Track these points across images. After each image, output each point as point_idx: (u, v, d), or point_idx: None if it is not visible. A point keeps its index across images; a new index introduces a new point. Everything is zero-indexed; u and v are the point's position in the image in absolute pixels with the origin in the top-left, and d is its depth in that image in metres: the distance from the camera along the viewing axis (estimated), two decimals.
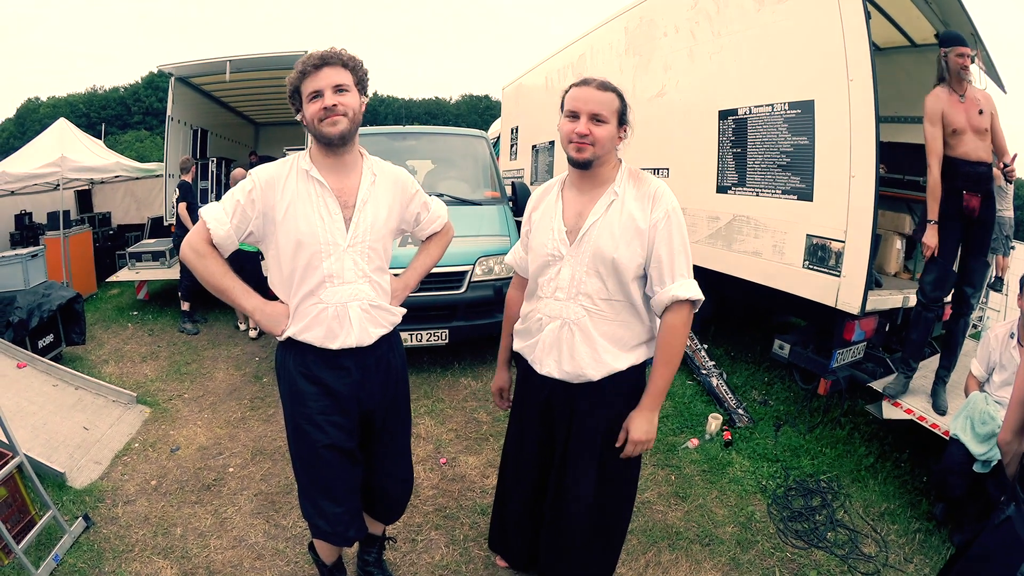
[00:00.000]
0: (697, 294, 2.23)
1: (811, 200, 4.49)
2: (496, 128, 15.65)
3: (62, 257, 9.65)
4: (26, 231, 11.16)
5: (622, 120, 2.24)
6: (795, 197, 4.63)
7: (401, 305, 2.54)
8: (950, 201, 4.01)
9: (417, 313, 5.71)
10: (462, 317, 5.93)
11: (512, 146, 12.42)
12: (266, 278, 2.41)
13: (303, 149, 2.37)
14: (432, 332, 5.83)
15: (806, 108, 4.49)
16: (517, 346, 2.59)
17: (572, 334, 2.32)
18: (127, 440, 4.74)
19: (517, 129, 12.14)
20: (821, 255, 4.42)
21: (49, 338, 6.49)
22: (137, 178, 13.13)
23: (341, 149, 2.25)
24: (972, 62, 4.06)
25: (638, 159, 6.78)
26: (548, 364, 2.39)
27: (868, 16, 4.10)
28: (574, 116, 2.19)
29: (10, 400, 4.71)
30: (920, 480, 4.27)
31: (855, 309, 4.21)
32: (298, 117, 2.27)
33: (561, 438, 2.50)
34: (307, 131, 2.28)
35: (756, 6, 4.93)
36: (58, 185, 10.05)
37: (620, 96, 2.22)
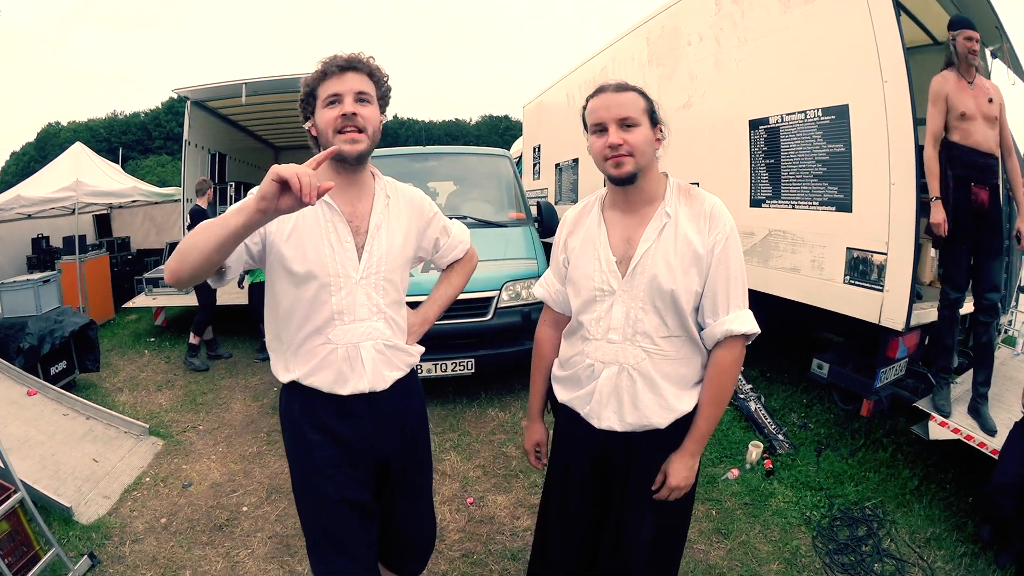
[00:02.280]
0: (754, 327, 1.97)
1: (850, 211, 4.26)
2: (518, 147, 15.55)
3: (78, 282, 9.64)
4: (43, 255, 11.27)
5: (654, 119, 1.93)
6: (833, 208, 4.39)
7: (422, 339, 2.31)
8: (959, 193, 3.94)
9: (441, 342, 5.54)
10: (489, 345, 5.71)
11: (535, 165, 12.27)
12: None
13: None
14: (457, 361, 5.59)
15: (840, 114, 4.27)
16: (563, 397, 2.23)
17: (633, 381, 2.00)
18: (138, 474, 4.59)
19: (539, 147, 12.00)
20: (863, 269, 4.18)
21: (62, 365, 6.41)
22: (156, 203, 13.21)
23: (355, 167, 2.00)
24: (980, 48, 4.03)
25: (669, 172, 6.65)
26: (607, 417, 2.06)
27: (899, 13, 3.92)
28: (601, 129, 1.91)
29: (19, 428, 4.64)
30: (965, 501, 4.09)
31: (899, 325, 3.97)
32: (307, 126, 2.00)
33: (617, 485, 2.18)
34: (315, 146, 2.03)
35: (782, 8, 4.75)
36: (74, 210, 10.06)
37: (643, 94, 1.94)
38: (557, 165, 10.69)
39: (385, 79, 2.02)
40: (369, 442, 2.09)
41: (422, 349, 2.29)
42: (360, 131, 1.90)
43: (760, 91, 5.06)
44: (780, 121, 4.82)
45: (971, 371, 4.45)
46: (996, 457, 3.56)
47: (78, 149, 11.56)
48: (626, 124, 1.87)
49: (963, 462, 4.40)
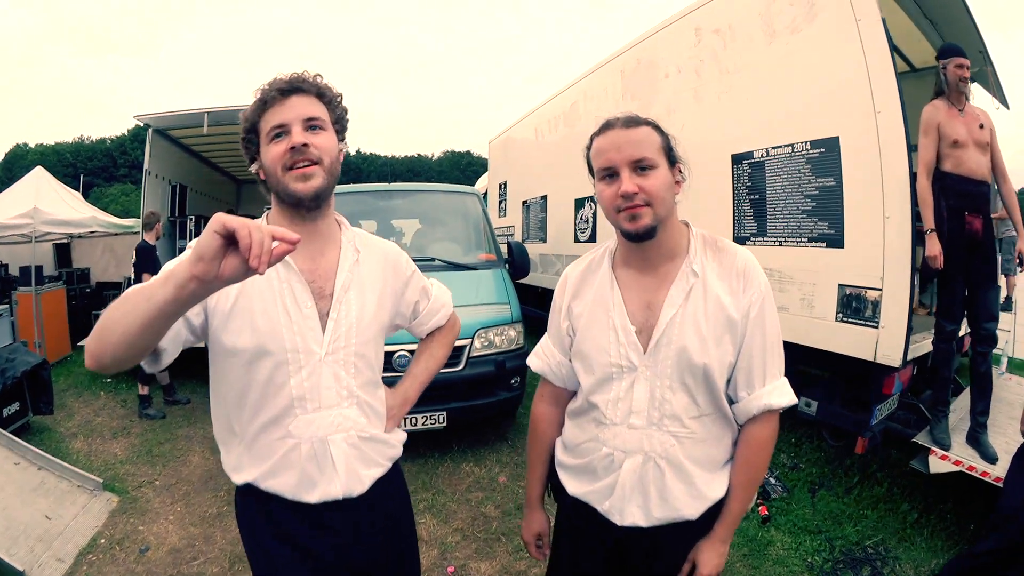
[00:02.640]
0: (793, 398, 1.71)
1: (842, 247, 4.12)
2: (482, 183, 15.40)
3: (34, 315, 9.21)
4: (1, 283, 10.91)
5: (672, 158, 1.65)
6: (824, 244, 4.25)
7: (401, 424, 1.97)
8: (953, 223, 3.88)
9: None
10: (461, 397, 5.35)
11: (501, 202, 12.06)
12: None
13: None
14: (428, 415, 5.20)
15: (830, 146, 4.15)
16: (575, 490, 1.87)
17: (661, 472, 1.70)
18: (93, 534, 4.20)
19: (506, 184, 11.82)
20: (856, 306, 4.04)
21: (15, 406, 5.98)
22: (116, 234, 12.71)
23: (314, 213, 1.65)
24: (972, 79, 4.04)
25: None
26: (632, 513, 1.74)
27: (891, 40, 3.84)
28: (611, 174, 1.62)
29: None
30: (967, 529, 4.07)
31: (896, 362, 3.83)
32: (253, 168, 1.66)
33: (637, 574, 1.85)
34: (265, 188, 1.69)
35: (767, 39, 4.65)
36: (32, 238, 9.64)
37: (658, 128, 1.66)
38: (524, 203, 10.52)
39: (338, 99, 1.72)
40: (345, 557, 1.73)
41: (404, 436, 1.94)
42: (314, 163, 1.58)
43: (743, 124, 4.95)
44: (765, 155, 4.69)
45: (963, 395, 4.44)
46: (1000, 485, 3.45)
47: (39, 174, 11.11)
48: (641, 167, 1.58)
49: (961, 490, 4.32)
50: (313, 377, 1.62)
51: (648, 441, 1.69)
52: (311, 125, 1.60)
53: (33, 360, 6.31)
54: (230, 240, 1.07)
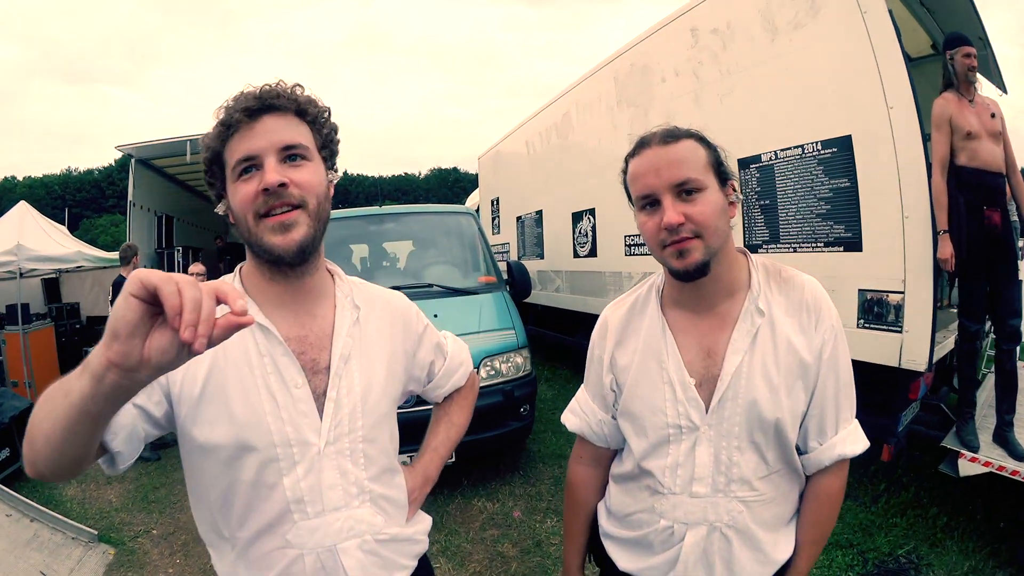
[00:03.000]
0: (866, 443, 1.50)
1: (860, 250, 3.92)
2: (473, 200, 15.23)
3: (22, 355, 8.99)
4: None
5: (723, 175, 1.40)
6: (841, 248, 4.05)
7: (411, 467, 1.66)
8: (972, 218, 3.71)
9: (416, 432, 4.95)
10: (469, 431, 5.06)
11: (494, 219, 11.83)
12: None
13: None
14: None
15: (843, 145, 3.96)
16: (628, 565, 1.62)
17: (728, 542, 1.45)
18: None
19: (498, 200, 11.62)
20: (878, 311, 3.84)
21: (5, 452, 5.80)
22: (103, 267, 12.49)
23: (299, 270, 1.31)
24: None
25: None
26: None
27: (898, 30, 3.67)
28: (651, 203, 1.37)
29: None
30: (996, 528, 4.01)
31: (922, 366, 3.64)
32: (220, 210, 1.32)
33: None
34: (236, 233, 1.32)
35: (769, 36, 4.47)
36: (19, 274, 9.42)
37: (703, 140, 1.41)
38: (519, 218, 10.33)
39: (324, 116, 1.35)
40: None
41: (429, 522, 1.62)
42: (295, 207, 1.22)
43: (749, 127, 4.73)
44: (774, 158, 4.49)
45: (982, 392, 4.33)
46: None
47: (23, 209, 10.91)
48: (686, 190, 1.33)
49: (989, 489, 4.16)
50: (312, 475, 1.28)
51: (713, 510, 1.45)
52: (290, 155, 1.24)
53: (21, 404, 6.15)
54: (156, 305, 0.75)
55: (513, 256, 10.57)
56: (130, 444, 1.16)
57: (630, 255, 6.68)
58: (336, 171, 1.41)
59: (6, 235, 9.80)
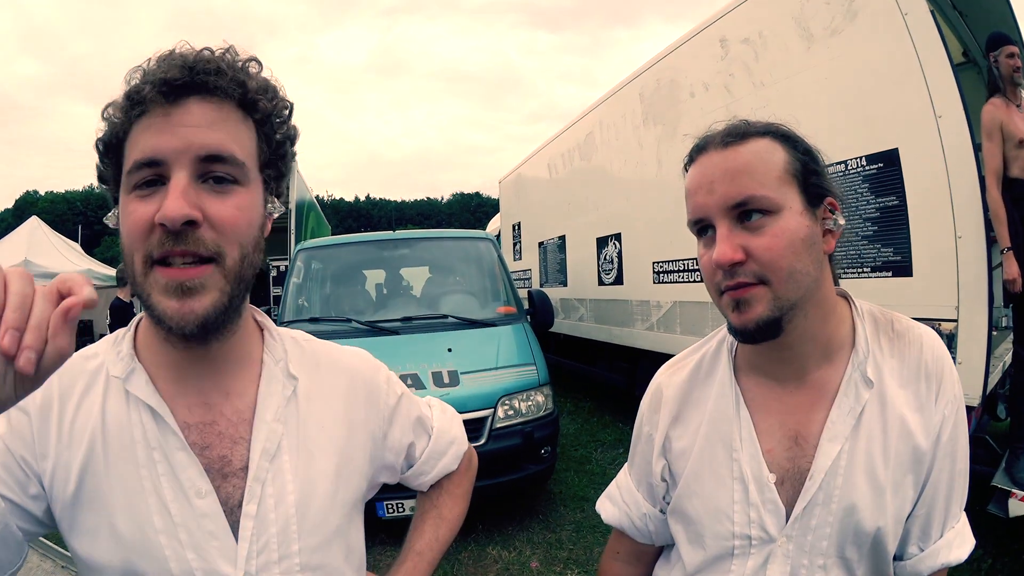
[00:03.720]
0: (972, 544, 1.16)
1: (910, 274, 3.69)
2: (494, 225, 15.25)
3: None
4: None
5: (812, 189, 1.04)
6: (889, 273, 3.82)
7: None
8: None
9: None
10: (483, 475, 4.77)
11: (515, 244, 11.81)
12: None
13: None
14: None
15: (889, 160, 3.75)
16: None
17: None
18: None
19: (519, 225, 11.59)
20: None
21: None
22: (115, 286, 12.66)
23: (202, 338, 0.93)
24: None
25: (667, 249, 6.16)
26: None
27: (942, 32, 3.51)
28: (703, 229, 1.08)
29: None
30: None
31: (976, 400, 3.42)
32: (109, 219, 0.96)
33: None
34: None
35: (805, 44, 4.32)
36: None
37: (782, 136, 1.07)
38: (541, 244, 10.25)
39: (282, 115, 0.99)
40: None
41: None
42: (205, 260, 0.86)
43: None
44: None
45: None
46: None
47: (33, 225, 11.20)
48: (746, 210, 1.01)
49: None
50: None
51: None
52: (215, 173, 0.87)
53: None
54: None
55: (535, 283, 10.51)
56: (3, 546, 0.87)
57: (658, 283, 6.51)
58: (279, 201, 1.02)
59: (15, 250, 9.98)
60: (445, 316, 5.70)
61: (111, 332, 5.04)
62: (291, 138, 1.02)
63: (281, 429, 1.01)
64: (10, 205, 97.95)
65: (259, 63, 0.95)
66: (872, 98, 3.85)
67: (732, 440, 1.14)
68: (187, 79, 0.85)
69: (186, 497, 0.92)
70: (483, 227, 15.11)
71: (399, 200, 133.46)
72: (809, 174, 1.04)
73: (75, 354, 0.87)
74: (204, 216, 0.84)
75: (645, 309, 6.86)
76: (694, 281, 5.80)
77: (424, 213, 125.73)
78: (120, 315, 6.64)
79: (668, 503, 1.28)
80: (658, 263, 6.45)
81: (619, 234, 7.41)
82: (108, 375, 0.97)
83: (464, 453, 1.40)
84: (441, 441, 1.32)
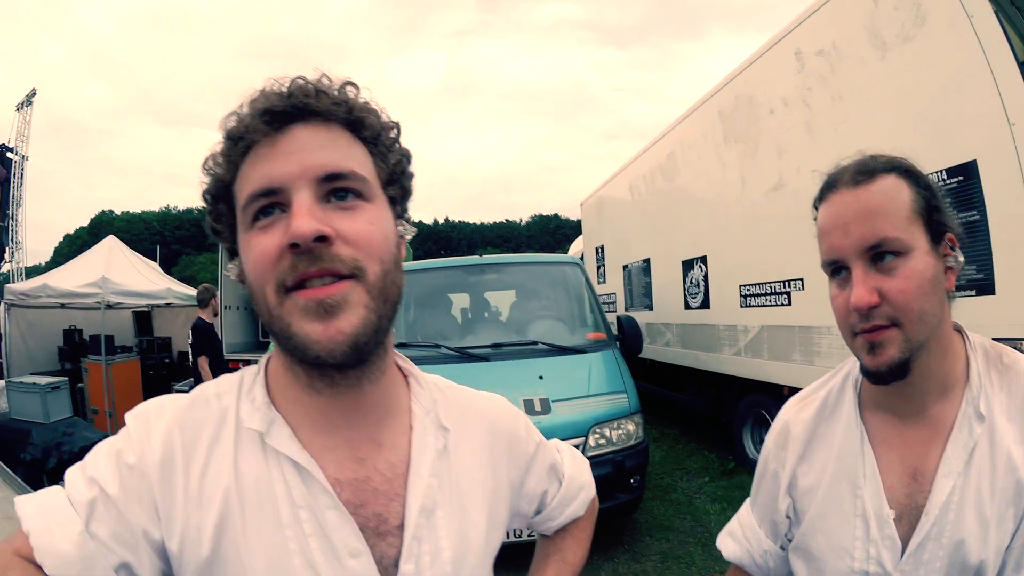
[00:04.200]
0: None
1: (993, 292, 3.58)
2: (577, 248, 15.31)
3: (104, 385, 9.69)
4: (74, 348, 11.66)
5: (935, 225, 1.05)
6: (972, 292, 3.70)
7: None
8: None
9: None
10: None
11: (599, 268, 11.80)
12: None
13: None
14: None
15: (968, 172, 3.66)
16: None
17: None
18: None
19: (603, 248, 11.60)
20: None
21: None
22: (195, 305, 13.33)
23: (355, 374, 0.87)
24: None
25: (754, 272, 6.10)
26: None
27: (1007, 33, 3.44)
28: (837, 270, 1.09)
29: None
30: None
31: None
32: (232, 273, 0.93)
33: None
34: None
35: (878, 54, 4.27)
36: (107, 305, 10.20)
37: (907, 172, 1.08)
38: (625, 267, 10.22)
39: (392, 135, 0.93)
40: None
41: None
42: (345, 276, 0.79)
43: None
44: None
45: None
46: None
47: (111, 243, 11.84)
48: (881, 252, 1.02)
49: None
50: None
51: None
52: (337, 189, 0.82)
53: (94, 436, 6.51)
54: None
55: (620, 307, 10.48)
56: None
57: (746, 307, 6.44)
58: (409, 222, 0.99)
59: (93, 267, 10.63)
60: (535, 343, 5.69)
61: (193, 352, 5.28)
62: (406, 156, 0.96)
63: (437, 484, 0.96)
64: (85, 224, 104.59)
65: (355, 86, 0.88)
66: (947, 107, 3.79)
67: (856, 477, 1.17)
68: (287, 106, 0.81)
69: (338, 559, 0.86)
70: (562, 249, 15.15)
71: (477, 222, 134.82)
72: (932, 211, 1.05)
73: (190, 396, 0.92)
74: (335, 233, 0.78)
75: (732, 334, 6.79)
76: (781, 305, 5.74)
77: (503, 235, 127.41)
78: (202, 335, 6.86)
79: (790, 540, 1.31)
80: (745, 286, 6.39)
81: (705, 256, 7.35)
82: (239, 425, 0.89)
83: (591, 500, 1.35)
84: (572, 488, 1.28)
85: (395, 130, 0.93)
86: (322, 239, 0.76)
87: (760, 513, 1.39)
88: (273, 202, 0.80)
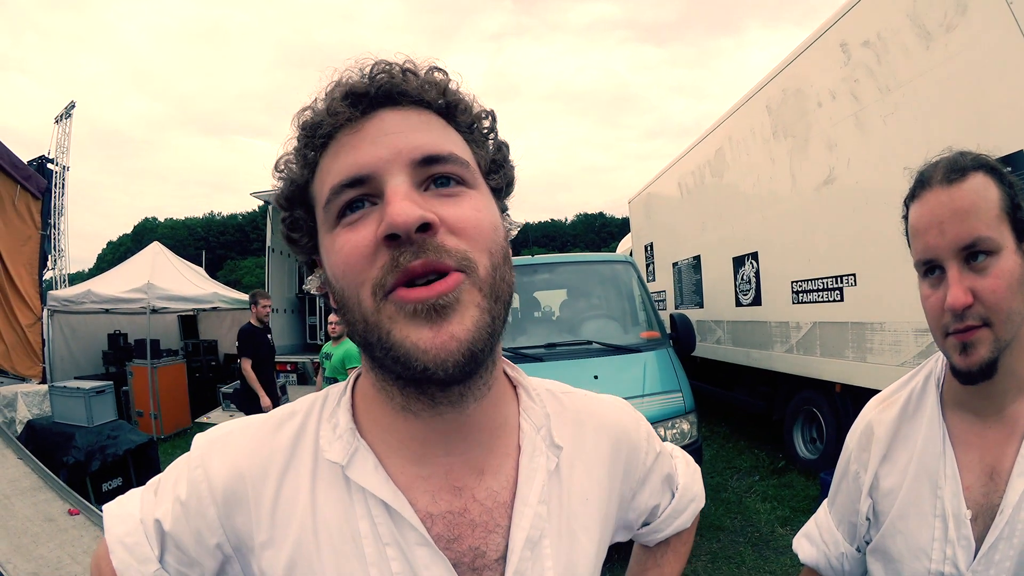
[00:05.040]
0: None
1: None
2: (625, 246, 15.37)
3: (149, 388, 10.04)
4: (119, 352, 12.01)
5: (1019, 223, 1.07)
6: None
7: None
8: None
9: None
10: None
11: (648, 266, 11.91)
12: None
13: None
14: None
15: (1018, 163, 3.66)
16: None
17: None
18: None
19: (652, 246, 11.69)
20: None
21: (117, 481, 6.46)
22: (242, 308, 13.66)
23: (460, 390, 0.76)
24: None
25: (805, 268, 6.20)
26: None
27: None
28: (932, 269, 1.11)
29: (52, 552, 4.44)
30: None
31: None
32: (313, 287, 0.87)
33: None
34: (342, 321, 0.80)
35: (923, 43, 4.33)
36: (153, 309, 10.58)
37: (995, 172, 1.09)
38: (675, 264, 10.32)
39: (488, 122, 0.85)
40: None
41: None
42: (453, 270, 0.69)
43: (918, 150, 4.38)
44: None
45: None
46: None
47: (156, 250, 12.29)
48: (974, 251, 1.05)
49: None
50: None
51: None
52: (438, 175, 0.73)
53: (138, 439, 6.79)
54: None
55: (670, 305, 10.57)
56: None
57: (797, 303, 6.51)
58: (510, 217, 0.92)
59: (139, 273, 11.05)
60: (589, 342, 5.83)
61: (240, 356, 5.65)
62: (505, 145, 0.89)
63: (545, 511, 0.87)
64: (129, 231, 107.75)
65: (444, 71, 0.80)
66: (992, 96, 3.83)
67: (937, 478, 1.19)
68: (372, 89, 0.73)
69: None
70: (608, 247, 15.15)
71: (523, 222, 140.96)
72: (1016, 209, 1.07)
73: (263, 420, 0.87)
74: (438, 219, 0.69)
75: (784, 331, 6.86)
76: (834, 301, 5.81)
77: (548, 235, 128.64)
78: (248, 339, 7.04)
79: (867, 542, 1.33)
80: (796, 282, 6.46)
81: (756, 253, 7.42)
82: (317, 453, 0.82)
83: (697, 512, 1.25)
84: (683, 499, 1.19)
85: (490, 118, 0.86)
86: (425, 228, 0.67)
87: (839, 515, 1.41)
88: (362, 194, 0.71)
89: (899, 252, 1.42)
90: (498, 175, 0.85)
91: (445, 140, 0.75)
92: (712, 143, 8.45)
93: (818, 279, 6.05)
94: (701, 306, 9.31)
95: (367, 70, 0.75)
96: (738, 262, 7.89)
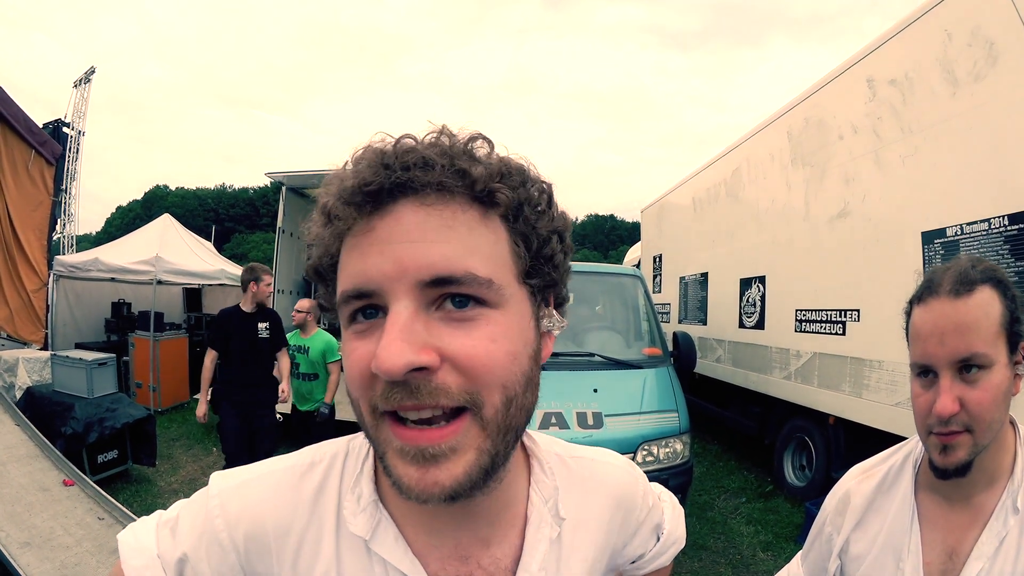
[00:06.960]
0: None
1: None
2: (633, 254, 15.35)
3: (151, 361, 10.10)
4: (122, 321, 12.03)
5: (1014, 337, 1.17)
6: None
7: None
8: None
9: None
10: None
11: (655, 277, 11.90)
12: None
13: None
14: None
15: None
16: None
17: None
18: None
19: (660, 258, 11.69)
20: None
21: (112, 454, 6.51)
22: None
23: (468, 497, 0.73)
24: None
25: (811, 297, 6.20)
26: None
27: None
28: (925, 372, 1.20)
29: (45, 522, 4.49)
30: None
31: None
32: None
33: None
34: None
35: (949, 90, 4.30)
36: (158, 280, 10.62)
37: (1001, 286, 1.17)
38: (682, 279, 10.32)
39: (534, 192, 0.74)
40: None
41: None
42: (464, 407, 0.66)
43: (934, 195, 4.53)
44: (959, 233, 4.25)
45: None
46: None
47: (166, 222, 12.29)
48: (969, 365, 1.14)
49: None
50: None
51: None
52: (450, 297, 0.66)
53: (137, 413, 6.80)
54: None
55: (673, 318, 10.59)
56: None
57: (800, 331, 6.52)
58: (559, 313, 0.88)
59: (148, 245, 11.09)
60: (592, 355, 5.80)
61: (208, 345, 5.62)
62: (559, 231, 0.79)
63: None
64: (139, 197, 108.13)
65: (488, 141, 0.72)
66: (1014, 151, 3.82)
67: (901, 552, 1.31)
68: (386, 181, 0.65)
69: None
70: (617, 251, 15.16)
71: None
72: (1014, 323, 1.16)
73: (281, 468, 0.88)
74: (443, 356, 0.64)
75: (784, 357, 6.87)
76: (836, 334, 5.83)
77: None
78: (222, 326, 5.95)
79: None
80: (801, 311, 6.47)
81: (763, 277, 7.42)
82: (340, 523, 0.83)
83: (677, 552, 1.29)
84: (667, 543, 1.23)
85: (545, 195, 0.77)
86: (419, 370, 0.63)
87: (810, 570, 1.56)
88: (370, 304, 0.67)
89: (904, 294, 1.41)
90: (542, 274, 0.76)
91: (467, 251, 0.66)
92: (731, 162, 8.45)
93: (823, 310, 6.05)
94: (705, 323, 9.31)
95: (389, 153, 0.67)
96: (745, 284, 7.90)
